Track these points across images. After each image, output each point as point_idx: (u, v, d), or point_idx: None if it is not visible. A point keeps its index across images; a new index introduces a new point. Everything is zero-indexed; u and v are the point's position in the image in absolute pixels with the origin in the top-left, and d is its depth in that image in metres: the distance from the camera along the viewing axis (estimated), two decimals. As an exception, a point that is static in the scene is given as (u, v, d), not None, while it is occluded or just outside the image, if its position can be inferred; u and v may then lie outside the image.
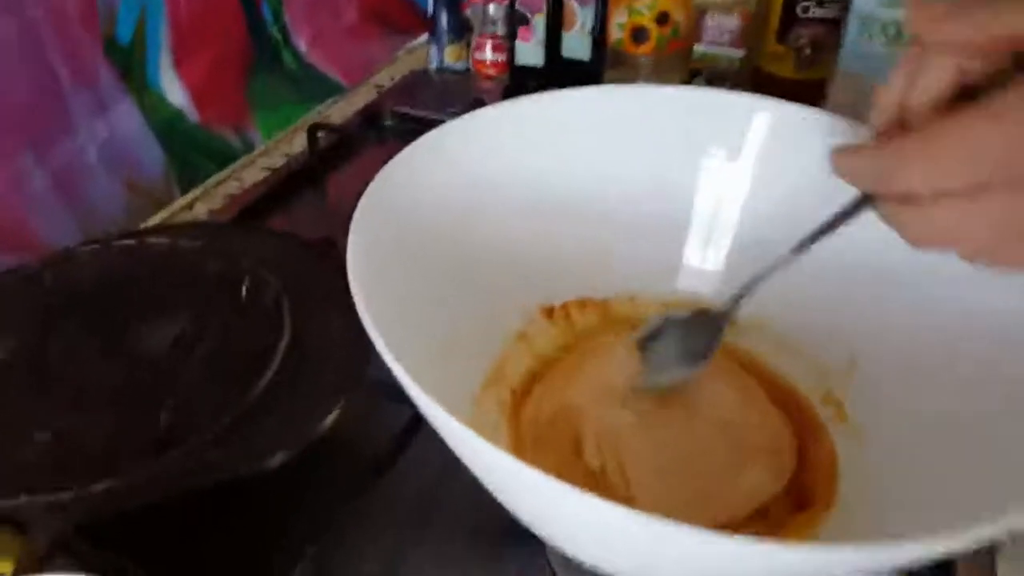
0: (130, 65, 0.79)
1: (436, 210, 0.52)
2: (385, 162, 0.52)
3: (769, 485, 0.49)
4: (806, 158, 0.56)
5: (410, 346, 0.43)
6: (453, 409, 0.34)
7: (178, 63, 0.85)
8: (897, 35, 0.78)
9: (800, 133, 0.56)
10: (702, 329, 0.53)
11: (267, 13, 0.96)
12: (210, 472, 0.46)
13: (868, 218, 0.53)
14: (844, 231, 0.54)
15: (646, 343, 0.54)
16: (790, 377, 0.57)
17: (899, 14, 0.76)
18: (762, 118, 0.58)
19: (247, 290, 0.58)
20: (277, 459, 0.48)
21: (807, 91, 0.92)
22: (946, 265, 0.50)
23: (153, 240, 0.63)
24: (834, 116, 0.56)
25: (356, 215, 0.44)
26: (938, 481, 0.45)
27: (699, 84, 0.97)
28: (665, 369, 0.54)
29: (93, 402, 0.51)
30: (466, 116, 0.55)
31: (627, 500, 0.48)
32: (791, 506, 0.49)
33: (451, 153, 0.54)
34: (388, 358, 0.35)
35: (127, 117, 0.79)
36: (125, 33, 0.78)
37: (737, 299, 0.52)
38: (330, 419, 0.50)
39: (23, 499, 0.44)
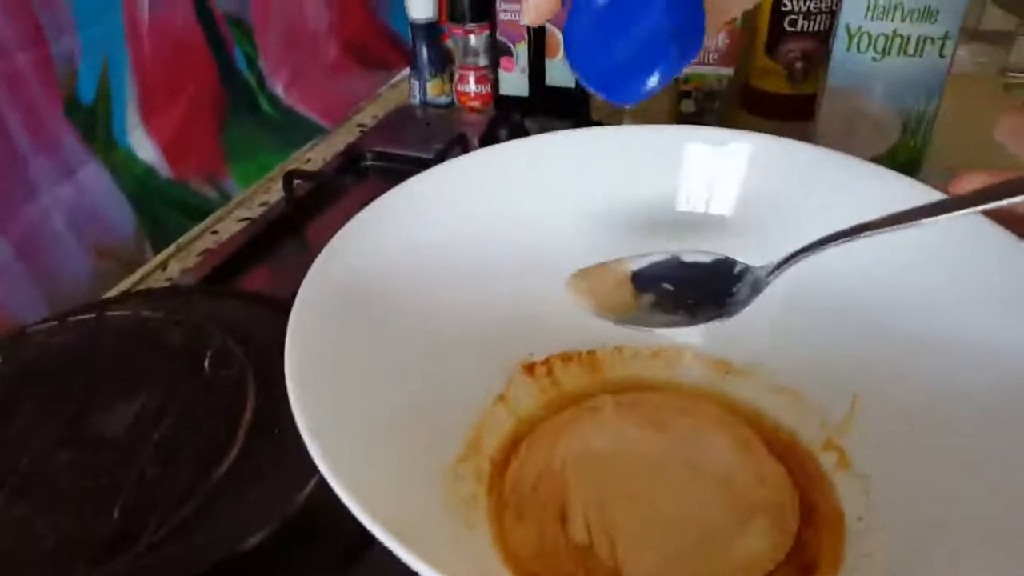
0: (94, 123, 0.77)
1: (397, 273, 0.49)
2: (365, 205, 0.49)
3: (770, 552, 0.46)
4: (787, 190, 0.54)
5: (365, 430, 0.40)
6: (420, 494, 0.30)
7: (146, 117, 0.82)
8: (887, 47, 0.75)
9: (780, 166, 0.53)
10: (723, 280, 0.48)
11: (240, 58, 0.94)
12: (166, 571, 0.43)
13: (866, 254, 0.50)
14: (841, 269, 0.51)
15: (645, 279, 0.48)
16: (788, 425, 0.54)
17: (887, 27, 0.73)
18: (741, 152, 0.55)
19: (210, 363, 0.55)
20: (246, 544, 0.45)
21: (799, 107, 0.90)
22: (947, 298, 0.48)
23: (112, 313, 0.60)
24: (813, 147, 0.53)
25: (299, 294, 0.41)
26: (950, 530, 0.42)
27: (687, 106, 0.94)
28: (663, 313, 0.48)
29: (43, 497, 0.48)
30: (427, 172, 0.52)
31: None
32: (794, 572, 0.46)
33: (410, 211, 0.51)
34: (327, 472, 0.32)
35: (94, 179, 0.77)
36: (87, 90, 0.75)
37: (783, 263, 0.46)
38: (301, 497, 0.47)
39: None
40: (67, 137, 0.74)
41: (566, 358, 0.57)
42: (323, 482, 0.48)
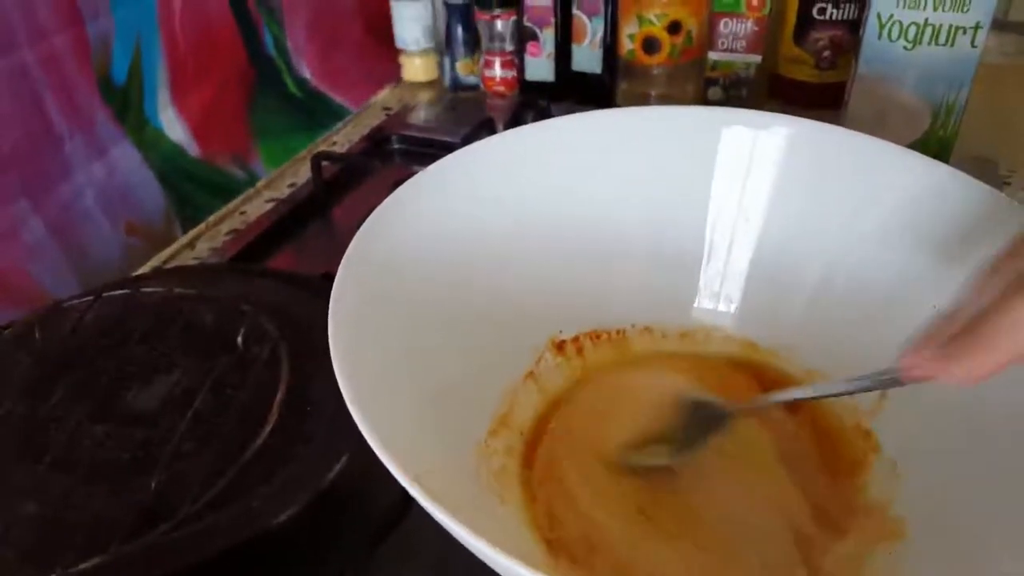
0: (126, 103, 0.77)
1: (432, 251, 0.50)
2: (392, 188, 0.50)
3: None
4: (824, 176, 0.54)
5: (402, 402, 0.41)
6: (454, 466, 0.31)
7: (177, 97, 0.83)
8: (918, 36, 0.74)
9: (817, 150, 0.54)
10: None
11: (268, 39, 0.94)
12: (201, 543, 0.44)
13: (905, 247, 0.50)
14: (872, 254, 0.51)
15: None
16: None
17: (919, 16, 0.73)
18: (778, 135, 0.55)
19: (243, 340, 0.56)
20: (278, 519, 0.45)
21: (826, 95, 0.90)
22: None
23: (147, 289, 0.60)
24: (852, 133, 0.53)
25: (340, 268, 0.42)
26: (977, 524, 0.42)
27: (715, 93, 0.94)
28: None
29: (81, 469, 0.48)
30: (462, 151, 0.53)
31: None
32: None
33: (445, 189, 0.52)
34: (369, 437, 0.32)
35: (125, 157, 0.77)
36: (120, 70, 0.76)
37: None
38: (332, 474, 0.48)
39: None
40: (100, 117, 0.75)
41: (595, 336, 0.58)
42: (353, 461, 0.49)
